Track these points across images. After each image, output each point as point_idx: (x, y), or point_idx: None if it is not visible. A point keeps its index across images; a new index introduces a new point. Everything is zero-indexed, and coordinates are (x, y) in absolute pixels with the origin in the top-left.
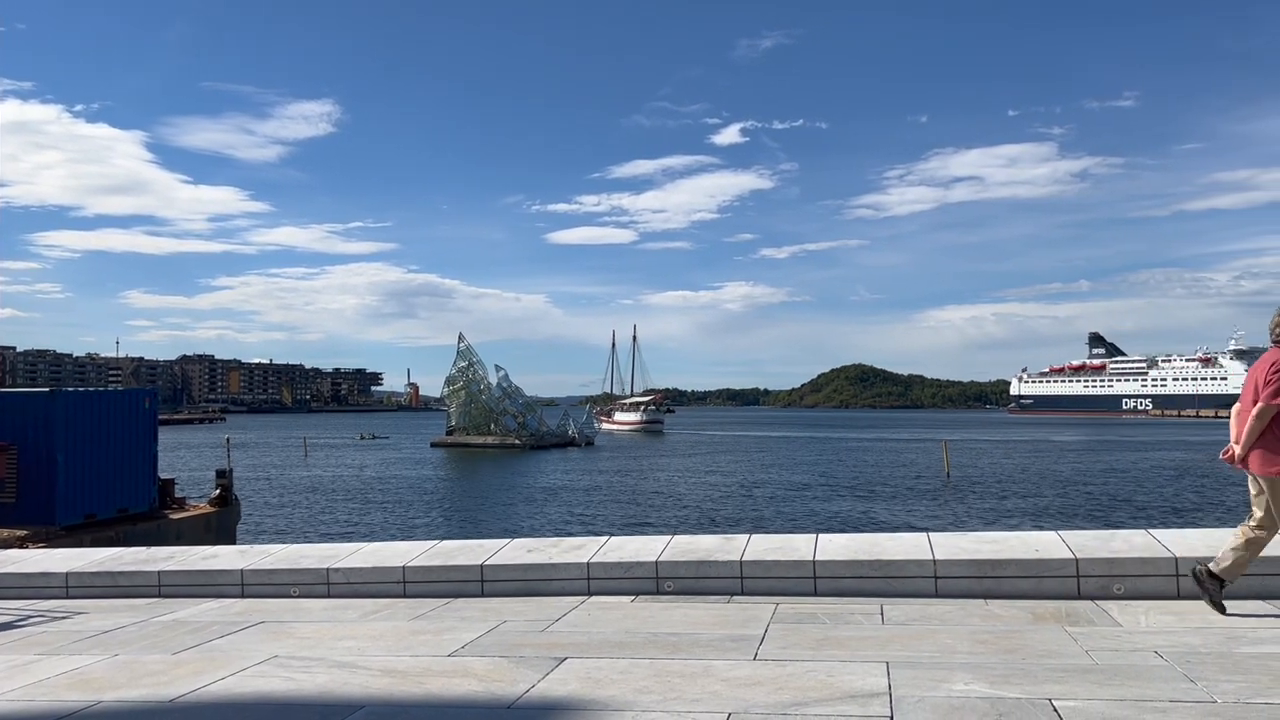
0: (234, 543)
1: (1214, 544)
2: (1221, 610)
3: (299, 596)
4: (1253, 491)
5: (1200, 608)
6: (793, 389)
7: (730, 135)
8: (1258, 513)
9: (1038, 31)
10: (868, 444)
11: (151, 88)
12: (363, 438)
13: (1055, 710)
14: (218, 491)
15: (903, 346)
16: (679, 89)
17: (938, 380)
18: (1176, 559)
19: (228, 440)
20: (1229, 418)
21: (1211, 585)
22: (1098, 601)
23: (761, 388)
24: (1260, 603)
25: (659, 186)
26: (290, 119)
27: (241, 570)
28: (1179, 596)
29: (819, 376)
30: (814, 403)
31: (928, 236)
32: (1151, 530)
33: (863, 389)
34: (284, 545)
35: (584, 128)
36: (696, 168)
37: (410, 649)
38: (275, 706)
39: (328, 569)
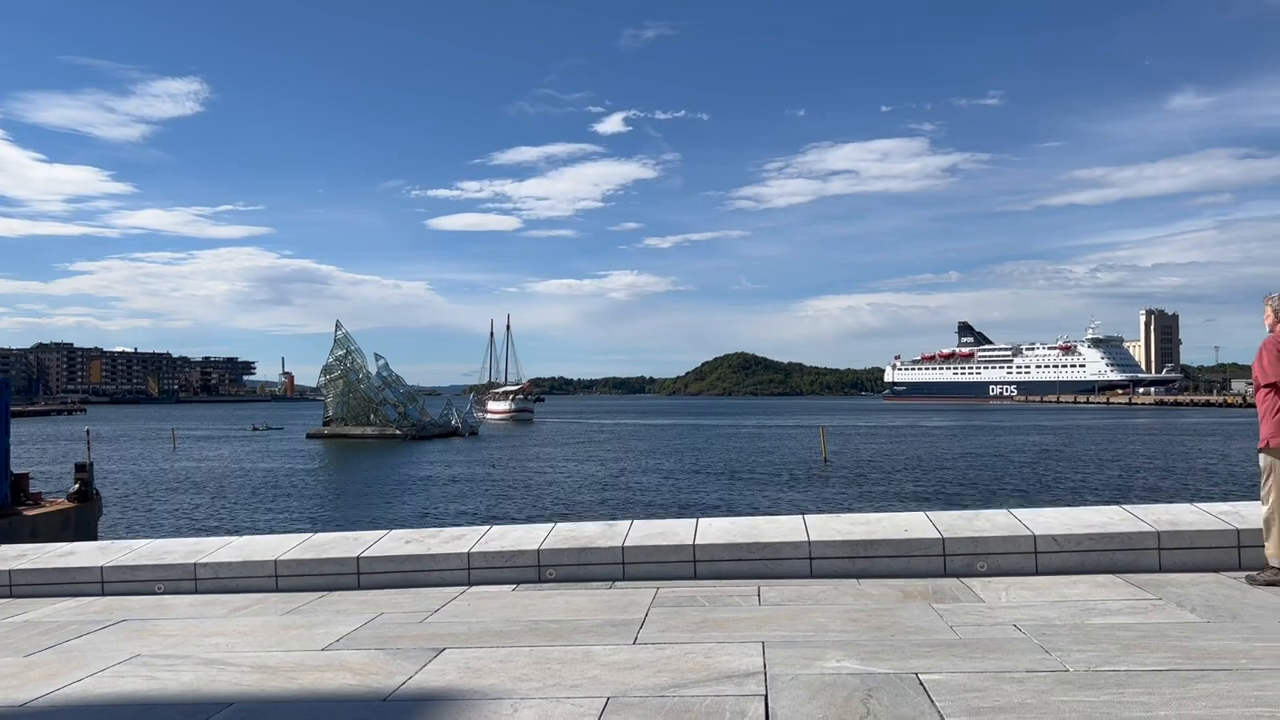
0: (95, 539)
1: (1070, 522)
2: None
3: (164, 593)
4: None
5: (1056, 582)
6: (677, 377)
7: (614, 124)
8: None
9: (909, 30)
10: (749, 431)
11: (1, 61)
12: (255, 429)
13: (921, 684)
14: (77, 486)
15: (783, 335)
16: (563, 76)
17: (816, 368)
18: (1035, 537)
19: (88, 432)
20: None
21: None
22: (963, 579)
23: (647, 376)
24: (1109, 576)
25: (543, 174)
26: (155, 97)
27: (101, 567)
28: (1037, 572)
29: (703, 365)
30: (698, 390)
31: (806, 228)
32: (1013, 510)
33: (745, 377)
34: (148, 541)
35: (466, 113)
36: (580, 156)
37: (282, 644)
38: (136, 707)
39: (195, 564)
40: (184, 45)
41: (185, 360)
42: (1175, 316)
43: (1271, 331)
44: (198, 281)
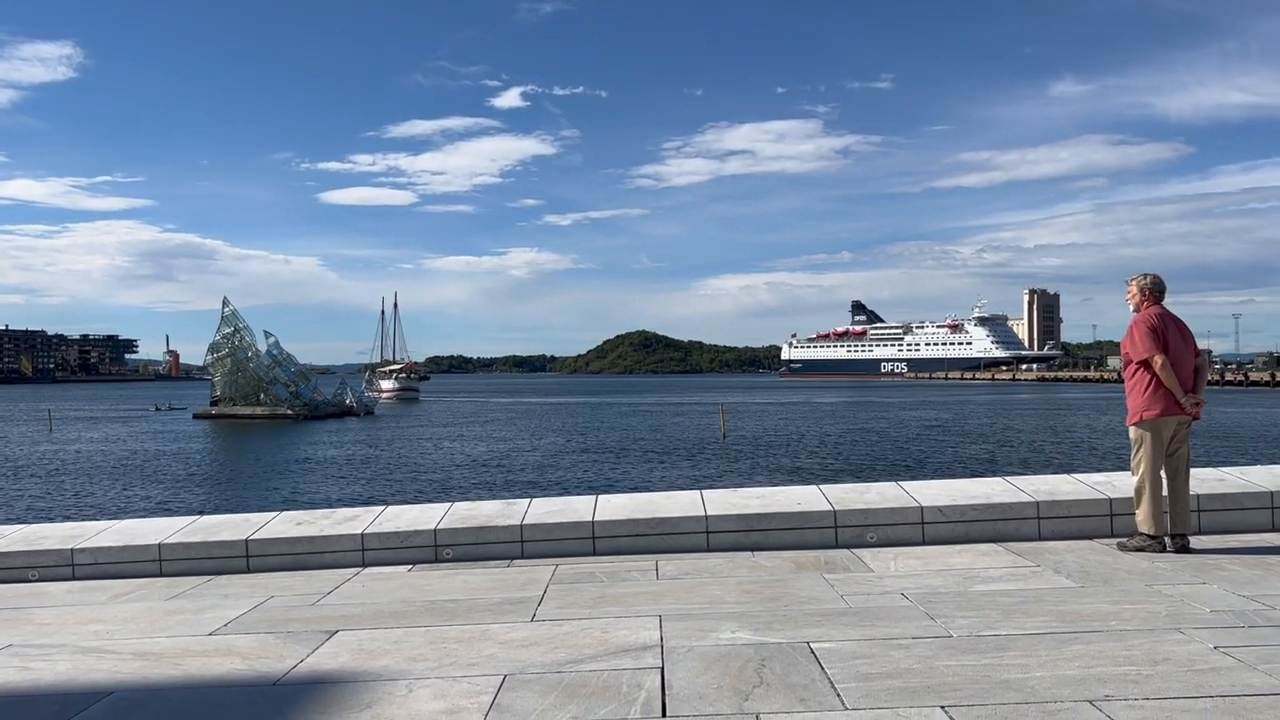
0: None
1: (955, 494)
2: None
3: (38, 580)
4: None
5: (942, 551)
6: (579, 355)
7: (511, 99)
8: None
9: (803, 12)
10: (649, 408)
11: None
12: (158, 409)
13: (813, 652)
14: None
15: (683, 313)
16: (458, 49)
17: (715, 346)
18: (922, 508)
19: None
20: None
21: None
22: (853, 550)
23: (548, 354)
24: (992, 545)
25: (438, 148)
26: (24, 60)
27: None
28: (924, 542)
29: (604, 343)
30: (600, 369)
31: (704, 208)
32: (901, 483)
33: (646, 355)
34: (21, 525)
35: (357, 84)
36: (477, 130)
37: (166, 630)
38: (8, 700)
39: (72, 549)
40: (55, 6)
41: (62, 338)
42: (1056, 296)
43: (1137, 310)
44: (74, 256)
